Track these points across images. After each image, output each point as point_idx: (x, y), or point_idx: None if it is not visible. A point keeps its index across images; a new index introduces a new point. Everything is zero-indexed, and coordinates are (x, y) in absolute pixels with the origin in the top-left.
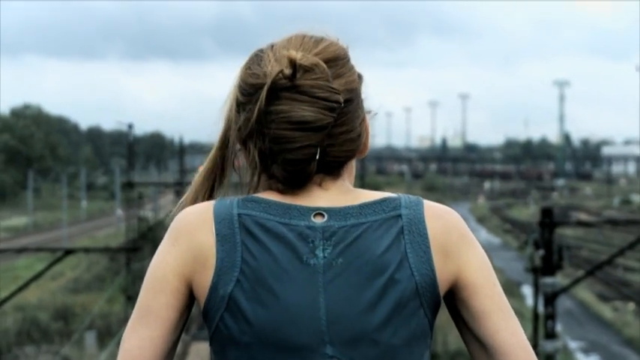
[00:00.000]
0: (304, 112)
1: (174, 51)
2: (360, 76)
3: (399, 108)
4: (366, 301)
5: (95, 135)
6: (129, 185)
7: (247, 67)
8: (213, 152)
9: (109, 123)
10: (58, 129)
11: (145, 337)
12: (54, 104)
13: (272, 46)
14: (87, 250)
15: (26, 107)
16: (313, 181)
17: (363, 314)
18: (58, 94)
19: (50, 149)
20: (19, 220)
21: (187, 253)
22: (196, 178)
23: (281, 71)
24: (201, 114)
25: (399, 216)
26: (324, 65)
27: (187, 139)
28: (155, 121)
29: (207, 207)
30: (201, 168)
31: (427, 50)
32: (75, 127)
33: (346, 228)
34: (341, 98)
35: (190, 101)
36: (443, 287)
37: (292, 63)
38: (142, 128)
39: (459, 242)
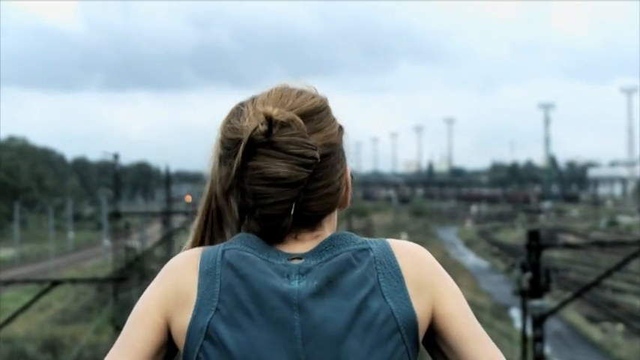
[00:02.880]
0: (278, 168)
1: (153, 81)
2: (341, 128)
3: (385, 133)
4: (341, 320)
5: (81, 165)
6: (116, 215)
7: (228, 120)
8: (202, 205)
9: (94, 153)
10: (44, 160)
11: None
12: (38, 135)
13: (252, 100)
14: (74, 281)
15: (11, 139)
16: (289, 234)
17: (338, 334)
18: (42, 126)
19: (36, 181)
20: (6, 252)
21: (171, 289)
22: (194, 225)
23: (257, 127)
24: (185, 143)
25: (369, 249)
26: (301, 121)
27: (173, 167)
28: (140, 150)
29: (196, 250)
30: (196, 220)
31: (407, 75)
32: (61, 158)
33: (321, 262)
34: (317, 154)
35: (173, 130)
36: (422, 320)
37: (268, 119)
38: (127, 158)
39: (430, 275)
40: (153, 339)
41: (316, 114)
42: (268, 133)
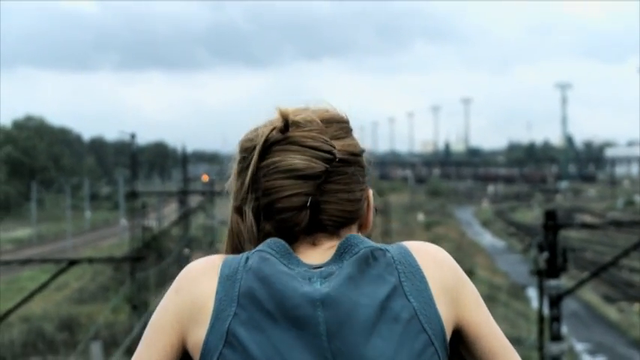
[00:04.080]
0: (294, 160)
1: (167, 60)
2: (363, 150)
3: (402, 113)
4: (366, 317)
5: (98, 145)
6: (132, 195)
7: (244, 136)
8: (228, 229)
9: (111, 133)
10: (61, 140)
11: None
12: (55, 115)
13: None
14: (91, 261)
15: (28, 119)
16: (307, 240)
17: (365, 331)
18: (58, 105)
19: (53, 160)
20: (23, 232)
21: (186, 301)
22: (223, 248)
23: (274, 128)
24: (201, 122)
25: (386, 250)
26: (318, 120)
27: (190, 147)
28: (156, 130)
29: (219, 256)
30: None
31: (422, 56)
32: (78, 138)
33: (342, 265)
34: (334, 150)
35: (189, 110)
36: (446, 324)
37: (284, 118)
38: (144, 138)
39: (454, 279)
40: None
41: (336, 122)
42: (284, 130)
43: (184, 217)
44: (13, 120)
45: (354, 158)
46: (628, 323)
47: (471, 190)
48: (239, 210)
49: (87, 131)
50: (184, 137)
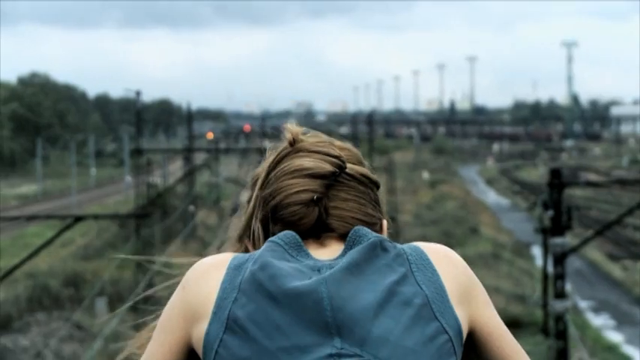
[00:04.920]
0: (303, 161)
1: (171, 18)
2: (378, 183)
3: (407, 71)
4: (373, 297)
5: (103, 102)
6: (137, 152)
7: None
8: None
9: (116, 90)
10: (66, 97)
11: None
12: (59, 72)
13: None
14: (96, 217)
15: (33, 75)
16: (315, 240)
17: (371, 308)
18: (63, 62)
19: (59, 117)
20: (28, 188)
21: (192, 298)
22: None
23: (284, 148)
24: (206, 80)
25: (396, 245)
26: (327, 137)
27: (195, 105)
28: (161, 87)
29: (229, 253)
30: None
31: (427, 14)
32: (83, 95)
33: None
34: (343, 157)
35: (193, 68)
36: (463, 324)
37: (293, 133)
38: (149, 95)
39: (466, 279)
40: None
41: (348, 150)
42: (293, 143)
43: (189, 175)
44: (18, 76)
45: (366, 180)
46: (632, 281)
47: (476, 148)
48: (248, 226)
49: (92, 88)
50: (189, 95)
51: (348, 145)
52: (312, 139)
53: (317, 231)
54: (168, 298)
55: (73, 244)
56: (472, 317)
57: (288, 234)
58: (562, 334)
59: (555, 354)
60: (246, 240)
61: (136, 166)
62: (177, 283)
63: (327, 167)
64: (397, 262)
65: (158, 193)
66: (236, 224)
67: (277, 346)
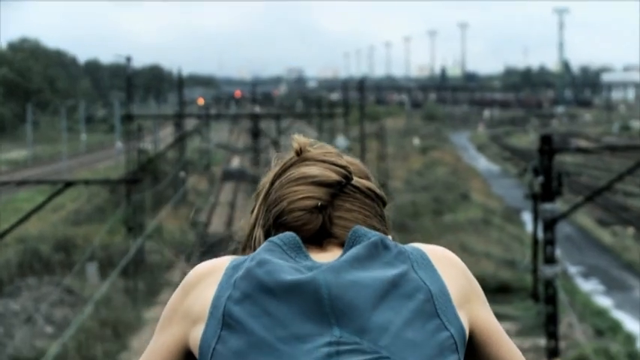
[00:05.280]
0: (309, 169)
1: None
2: (385, 199)
3: (398, 37)
4: (373, 288)
5: (93, 68)
6: (128, 118)
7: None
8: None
9: (106, 56)
10: (56, 62)
11: None
12: (49, 38)
13: None
14: (87, 183)
15: (23, 41)
16: (316, 244)
17: (371, 298)
18: (53, 28)
19: (49, 82)
20: (18, 154)
21: (191, 301)
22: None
23: (290, 159)
24: (197, 46)
25: (397, 244)
26: (334, 148)
27: (185, 70)
28: (152, 53)
29: (229, 256)
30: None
31: None
32: (73, 61)
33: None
34: (350, 168)
35: (184, 34)
36: (465, 324)
37: (299, 143)
38: (139, 61)
39: (466, 281)
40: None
41: (356, 164)
42: (300, 152)
43: (180, 140)
44: (8, 42)
45: (372, 194)
46: (621, 246)
47: (467, 114)
48: (250, 236)
49: (82, 54)
50: (180, 61)
51: (357, 160)
52: (320, 149)
53: (319, 238)
54: (158, 264)
55: (63, 210)
56: (471, 319)
57: (287, 235)
58: (552, 299)
59: (545, 319)
60: (248, 250)
61: (126, 131)
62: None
63: (333, 176)
64: (399, 259)
65: (149, 159)
66: (241, 234)
67: (275, 336)
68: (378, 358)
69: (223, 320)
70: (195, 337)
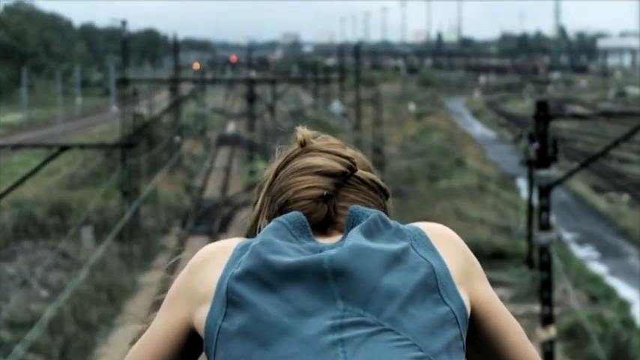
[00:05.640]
0: (314, 159)
1: None
2: (388, 192)
3: (394, 2)
4: (377, 261)
5: (89, 32)
6: (123, 82)
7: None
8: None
9: (102, 20)
10: (52, 26)
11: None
12: (44, 1)
13: None
14: (82, 147)
15: (18, 3)
16: (320, 232)
17: (375, 270)
18: None
19: (44, 46)
20: (13, 117)
21: (196, 282)
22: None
23: (295, 148)
24: (192, 10)
25: (400, 225)
26: (338, 140)
27: (181, 35)
28: (147, 17)
29: (238, 238)
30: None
31: None
32: (68, 24)
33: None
34: (355, 160)
35: None
36: (465, 301)
37: (303, 135)
38: (135, 25)
39: (465, 257)
40: (175, 341)
41: (359, 157)
42: (303, 144)
43: (175, 105)
44: (4, 5)
45: (376, 186)
46: (616, 213)
47: (463, 80)
48: (254, 226)
49: (77, 18)
50: (175, 25)
51: (359, 152)
52: (324, 141)
53: (324, 226)
54: (154, 229)
55: (58, 174)
56: (471, 295)
57: (294, 214)
58: (546, 266)
59: (539, 285)
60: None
61: (122, 96)
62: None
63: (338, 166)
64: (398, 236)
65: (144, 123)
66: (244, 226)
67: (279, 310)
68: (381, 330)
69: (227, 297)
70: (201, 317)
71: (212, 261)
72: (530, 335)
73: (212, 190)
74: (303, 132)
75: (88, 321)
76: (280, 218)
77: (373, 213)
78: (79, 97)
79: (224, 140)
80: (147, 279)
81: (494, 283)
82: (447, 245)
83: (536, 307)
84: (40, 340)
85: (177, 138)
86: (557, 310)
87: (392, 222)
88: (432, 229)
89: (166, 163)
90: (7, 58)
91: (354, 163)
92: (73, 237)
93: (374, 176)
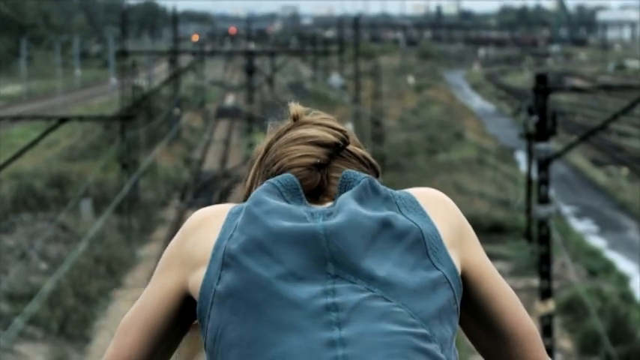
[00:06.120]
0: (307, 130)
1: None
2: (378, 170)
3: None
4: (368, 226)
5: (88, 3)
6: (123, 54)
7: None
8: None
9: None
10: None
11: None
12: None
13: None
14: (81, 119)
15: None
16: (312, 200)
17: (368, 235)
18: None
19: (43, 17)
20: (12, 89)
21: (190, 246)
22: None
23: (288, 123)
24: None
25: (390, 192)
26: (329, 116)
27: (180, 6)
28: None
29: (229, 204)
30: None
31: None
32: None
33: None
34: (347, 133)
35: None
36: (457, 265)
37: (297, 110)
38: None
39: (457, 220)
40: (169, 306)
41: (350, 134)
42: (296, 117)
43: (174, 77)
44: None
45: (367, 162)
46: (615, 187)
47: (462, 53)
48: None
49: None
50: None
51: (350, 130)
52: (316, 116)
53: (316, 194)
54: (153, 201)
55: (57, 146)
56: (463, 259)
57: (286, 176)
58: (545, 239)
59: (538, 259)
60: None
61: (121, 67)
62: None
63: (331, 137)
64: (386, 204)
65: (143, 96)
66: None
67: (272, 274)
68: (372, 296)
69: (223, 260)
70: (196, 280)
71: (206, 225)
72: (529, 309)
73: (211, 163)
74: (295, 107)
75: (87, 294)
76: (272, 180)
77: (364, 178)
78: (78, 69)
79: (223, 113)
80: (146, 252)
81: (492, 257)
82: (439, 209)
83: (535, 281)
84: (40, 312)
85: (177, 110)
86: (555, 284)
87: (381, 188)
88: (424, 194)
89: (165, 135)
90: (6, 29)
91: (347, 136)
92: (72, 209)
93: (366, 152)
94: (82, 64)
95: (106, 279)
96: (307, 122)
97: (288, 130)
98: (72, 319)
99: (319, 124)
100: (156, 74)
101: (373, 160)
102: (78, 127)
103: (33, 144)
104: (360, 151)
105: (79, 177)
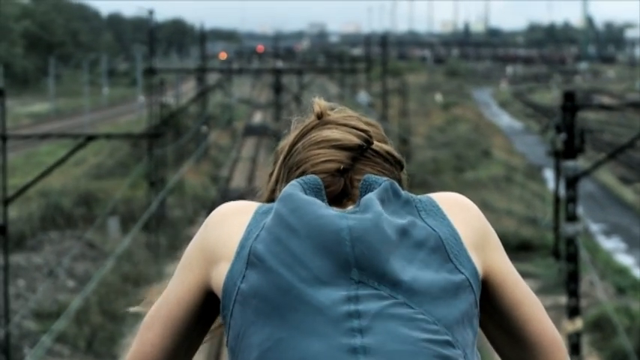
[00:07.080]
0: (331, 133)
1: None
2: (403, 163)
3: None
4: (392, 231)
5: (116, 21)
6: (150, 71)
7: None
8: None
9: (129, 9)
10: (79, 15)
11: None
12: None
13: None
14: (109, 137)
15: None
16: (336, 204)
17: (391, 240)
18: None
19: (71, 36)
20: (41, 107)
21: (213, 240)
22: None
23: (312, 120)
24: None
25: (410, 196)
26: (354, 112)
27: (208, 24)
28: (174, 7)
29: (255, 202)
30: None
31: None
32: (95, 14)
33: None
34: (370, 132)
35: None
36: (479, 269)
37: (320, 106)
38: (162, 14)
39: (479, 224)
40: (190, 301)
41: (375, 127)
42: (320, 116)
43: (202, 95)
44: None
45: (391, 159)
46: None
47: (490, 70)
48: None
49: (104, 7)
50: (202, 14)
51: (375, 122)
52: (340, 113)
53: (340, 199)
54: (180, 219)
55: (85, 164)
56: (486, 263)
57: (310, 177)
58: (573, 257)
59: (566, 277)
60: None
61: (148, 85)
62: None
63: (355, 140)
64: (406, 207)
65: (171, 113)
66: (261, 197)
67: (297, 277)
68: (395, 303)
69: (249, 259)
70: (219, 276)
71: (230, 219)
72: (557, 327)
73: (238, 181)
74: (320, 103)
75: (115, 311)
76: (297, 180)
77: (385, 182)
78: (106, 87)
79: (251, 130)
80: (173, 269)
81: (520, 275)
82: (460, 213)
83: (563, 299)
84: (67, 330)
85: (204, 128)
86: (583, 302)
87: (402, 192)
88: (446, 198)
89: (193, 153)
90: (35, 47)
91: (370, 136)
92: (99, 227)
93: (389, 148)
94: (110, 82)
95: (133, 296)
96: (331, 122)
97: (313, 128)
98: (99, 336)
99: (343, 125)
100: (183, 92)
101: (398, 155)
102: (105, 145)
103: (61, 162)
104: (385, 147)
105: (106, 195)
